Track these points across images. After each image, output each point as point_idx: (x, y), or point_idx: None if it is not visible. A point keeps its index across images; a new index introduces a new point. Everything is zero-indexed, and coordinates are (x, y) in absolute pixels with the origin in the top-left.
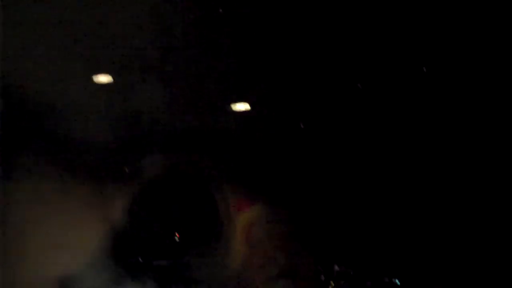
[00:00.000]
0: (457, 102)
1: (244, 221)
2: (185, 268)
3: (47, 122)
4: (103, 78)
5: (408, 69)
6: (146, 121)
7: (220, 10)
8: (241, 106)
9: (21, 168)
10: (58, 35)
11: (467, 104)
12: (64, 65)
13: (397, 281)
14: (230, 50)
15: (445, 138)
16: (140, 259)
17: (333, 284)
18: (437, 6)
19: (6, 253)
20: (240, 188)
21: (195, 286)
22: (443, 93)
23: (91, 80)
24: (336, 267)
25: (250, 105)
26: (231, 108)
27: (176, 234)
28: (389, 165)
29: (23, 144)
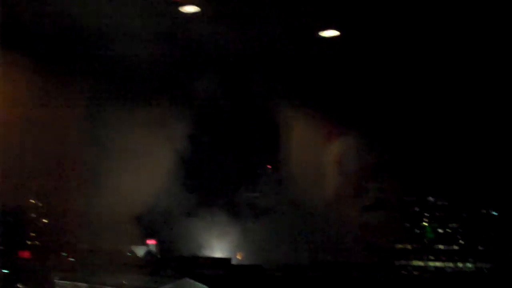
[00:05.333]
0: None
1: (335, 151)
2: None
3: (102, 46)
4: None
5: None
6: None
7: None
8: (330, 33)
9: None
10: None
11: None
12: None
13: (494, 212)
14: None
15: None
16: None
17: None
18: None
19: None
20: (330, 118)
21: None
22: None
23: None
24: (431, 198)
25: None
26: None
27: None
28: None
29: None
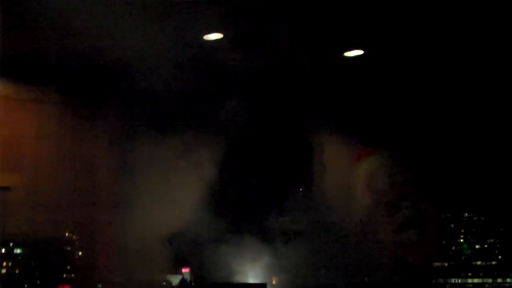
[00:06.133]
0: None
1: (364, 170)
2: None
3: (125, 78)
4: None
5: None
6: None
7: None
8: (355, 52)
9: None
10: None
11: None
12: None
13: None
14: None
15: None
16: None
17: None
18: None
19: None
20: (359, 137)
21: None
22: None
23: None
24: (466, 214)
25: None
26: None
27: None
28: None
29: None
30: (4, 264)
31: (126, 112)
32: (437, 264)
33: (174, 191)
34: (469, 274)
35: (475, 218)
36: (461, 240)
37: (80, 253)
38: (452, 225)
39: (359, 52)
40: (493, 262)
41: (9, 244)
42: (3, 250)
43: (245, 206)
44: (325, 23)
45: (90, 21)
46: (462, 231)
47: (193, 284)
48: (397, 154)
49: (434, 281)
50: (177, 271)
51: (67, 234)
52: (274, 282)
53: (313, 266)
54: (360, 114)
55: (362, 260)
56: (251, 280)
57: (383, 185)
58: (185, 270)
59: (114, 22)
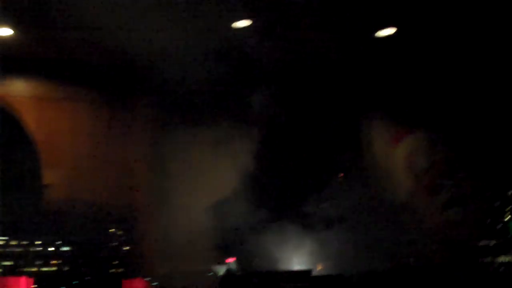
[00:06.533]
0: None
1: (404, 151)
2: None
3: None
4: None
5: None
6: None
7: None
8: (387, 32)
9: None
10: None
11: None
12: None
13: None
14: None
15: None
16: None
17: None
18: None
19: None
20: (398, 117)
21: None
22: None
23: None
24: (511, 192)
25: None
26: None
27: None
28: None
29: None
30: (53, 262)
31: (159, 106)
32: (483, 242)
33: (213, 182)
34: None
35: None
36: (507, 218)
37: (126, 248)
38: (497, 203)
39: (392, 31)
40: None
41: (56, 242)
42: (51, 249)
43: (284, 194)
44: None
45: (118, 17)
46: (508, 209)
47: (238, 273)
48: (438, 133)
49: (481, 259)
50: (221, 261)
51: (112, 230)
52: (319, 268)
53: (357, 250)
54: (397, 95)
55: (407, 242)
56: (296, 267)
57: (424, 164)
58: (229, 260)
59: (140, 17)
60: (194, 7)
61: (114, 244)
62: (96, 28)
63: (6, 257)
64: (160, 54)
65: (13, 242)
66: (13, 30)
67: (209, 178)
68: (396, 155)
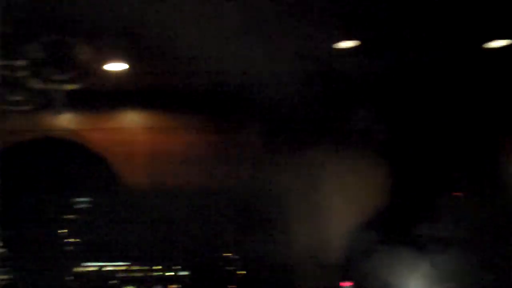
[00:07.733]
0: None
1: None
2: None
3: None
4: None
5: None
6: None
7: None
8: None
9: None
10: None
11: None
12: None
13: None
14: None
15: None
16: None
17: None
18: None
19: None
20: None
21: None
22: None
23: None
24: None
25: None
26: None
27: None
28: None
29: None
30: (172, 287)
31: (262, 129)
32: None
33: (323, 203)
34: None
35: None
36: None
37: (242, 272)
38: None
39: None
40: None
41: (174, 267)
42: (170, 273)
43: (395, 215)
44: (462, 14)
45: (212, 45)
46: None
47: None
48: None
49: None
50: (336, 284)
51: (227, 254)
52: None
53: (476, 272)
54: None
55: None
56: None
57: None
58: (345, 284)
59: (235, 43)
60: (292, 30)
61: (230, 268)
62: (192, 58)
63: (128, 282)
64: (261, 78)
65: (134, 268)
66: (128, 65)
67: (320, 199)
68: None
